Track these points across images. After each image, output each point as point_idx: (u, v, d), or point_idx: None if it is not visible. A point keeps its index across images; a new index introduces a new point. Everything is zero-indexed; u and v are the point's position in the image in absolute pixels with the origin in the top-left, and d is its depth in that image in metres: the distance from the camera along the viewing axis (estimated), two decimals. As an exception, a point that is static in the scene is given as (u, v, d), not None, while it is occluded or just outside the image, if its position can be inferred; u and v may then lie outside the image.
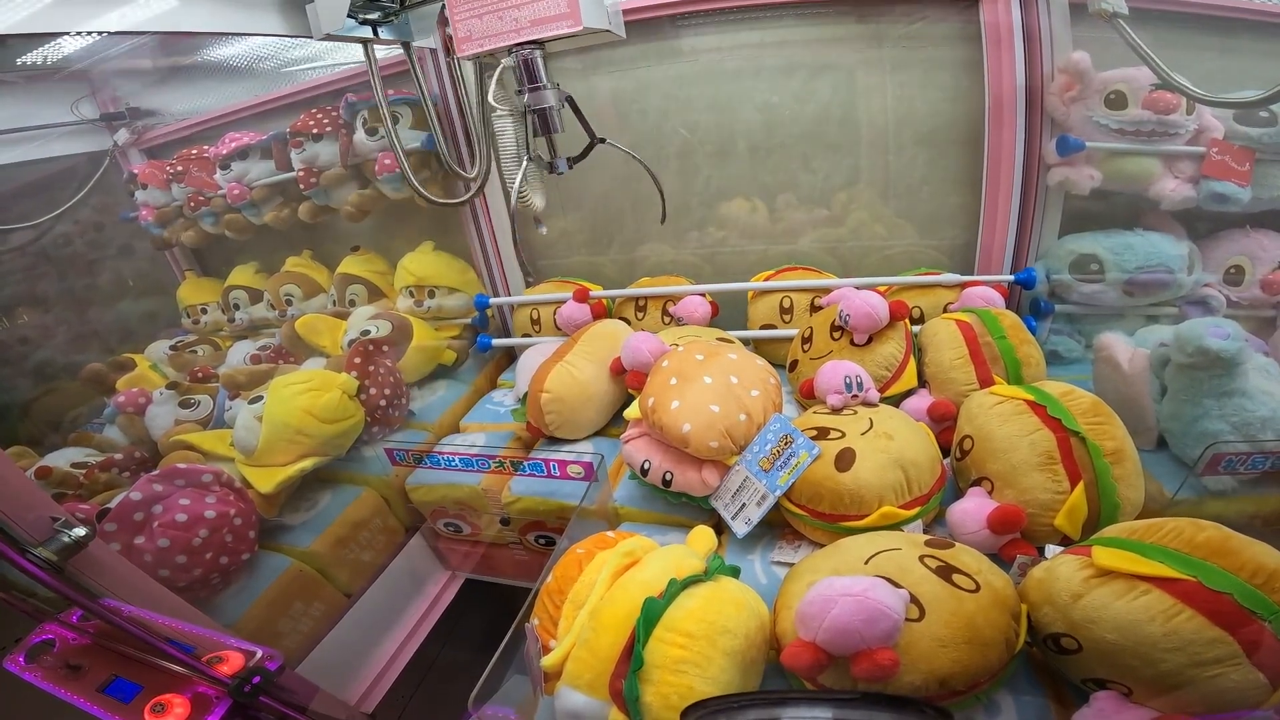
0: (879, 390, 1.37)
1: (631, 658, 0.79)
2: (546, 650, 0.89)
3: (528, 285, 2.19)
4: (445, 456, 1.48)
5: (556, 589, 0.95)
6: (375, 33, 1.46)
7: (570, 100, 1.37)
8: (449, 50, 1.80)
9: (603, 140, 1.45)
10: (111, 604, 1.00)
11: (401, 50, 1.64)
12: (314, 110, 1.98)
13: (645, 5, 1.70)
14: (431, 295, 2.11)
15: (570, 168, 1.46)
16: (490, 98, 1.36)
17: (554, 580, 0.97)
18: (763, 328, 1.84)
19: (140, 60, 1.92)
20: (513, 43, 1.21)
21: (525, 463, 1.42)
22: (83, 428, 1.89)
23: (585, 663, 0.82)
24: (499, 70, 1.32)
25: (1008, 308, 1.55)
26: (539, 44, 1.23)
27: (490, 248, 2.12)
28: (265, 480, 1.53)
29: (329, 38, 1.38)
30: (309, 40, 1.73)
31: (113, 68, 2.03)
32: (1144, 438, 1.28)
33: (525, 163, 1.44)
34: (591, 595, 0.90)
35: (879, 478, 1.07)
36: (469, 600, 1.92)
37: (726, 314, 1.93)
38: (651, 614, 0.81)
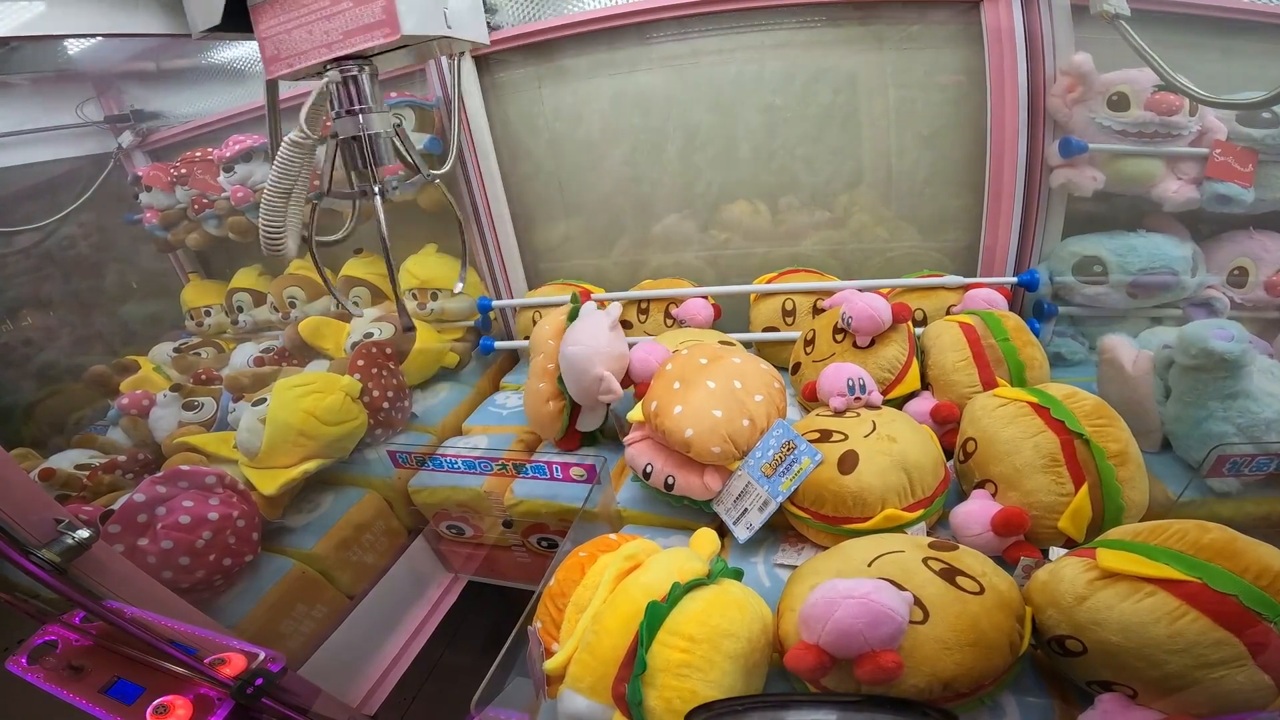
0: (882, 393, 1.37)
1: (634, 661, 0.79)
2: (549, 653, 0.89)
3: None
4: (448, 459, 1.48)
5: (559, 591, 0.95)
6: None
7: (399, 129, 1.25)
8: (450, 54, 1.81)
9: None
10: (114, 605, 1.00)
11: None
12: (317, 113, 1.99)
13: (646, 7, 1.71)
14: (434, 298, 2.11)
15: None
16: (302, 121, 1.11)
17: (556, 583, 0.97)
18: (765, 330, 1.84)
19: (145, 63, 1.93)
20: (325, 59, 1.09)
21: (528, 465, 1.42)
22: (86, 430, 1.90)
23: (588, 666, 0.82)
24: (314, 96, 1.13)
25: (1011, 310, 1.55)
26: (365, 59, 1.10)
27: (493, 250, 2.12)
28: (268, 482, 1.53)
29: (209, 35, 1.19)
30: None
31: (117, 70, 2.04)
32: (1148, 440, 1.27)
33: (314, 205, 1.31)
34: (594, 598, 0.90)
35: (882, 480, 1.07)
36: (471, 603, 1.92)
37: (729, 316, 1.93)
38: (654, 618, 0.81)
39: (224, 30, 1.17)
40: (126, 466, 1.66)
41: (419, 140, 1.90)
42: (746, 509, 1.17)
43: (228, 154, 2.13)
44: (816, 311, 1.76)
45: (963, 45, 1.61)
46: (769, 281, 1.88)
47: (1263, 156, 1.45)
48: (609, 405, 1.58)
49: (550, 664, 0.85)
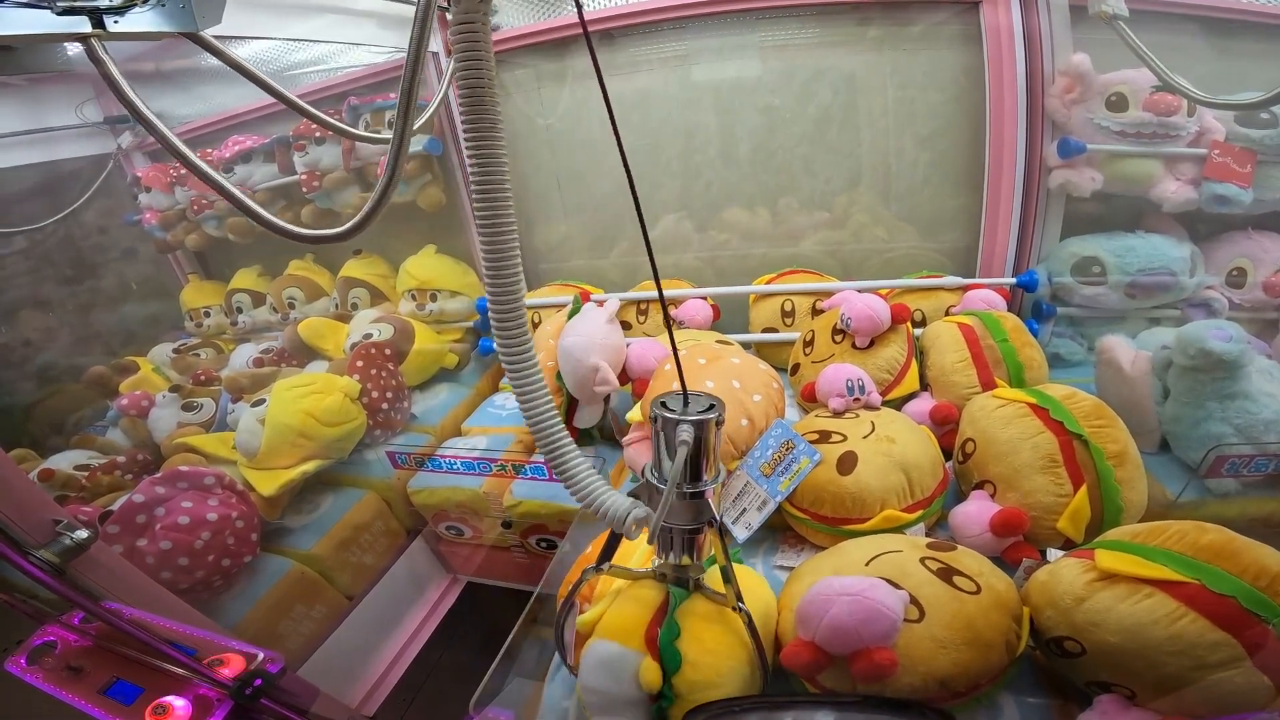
0: (881, 393, 1.37)
1: (667, 613, 0.82)
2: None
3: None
4: (447, 460, 1.48)
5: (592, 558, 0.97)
6: (101, 24, 0.90)
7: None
8: (450, 52, 1.81)
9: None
10: (113, 606, 1.00)
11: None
12: (317, 114, 1.99)
13: (646, 8, 1.71)
14: (434, 299, 2.11)
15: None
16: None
17: (593, 548, 1.00)
18: (764, 331, 1.84)
19: (144, 63, 1.93)
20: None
21: (527, 466, 1.42)
22: (85, 430, 1.90)
23: (620, 614, 0.83)
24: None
25: (1009, 310, 1.55)
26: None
27: (492, 251, 2.12)
28: (267, 483, 1.53)
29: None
30: (312, 43, 1.74)
31: (116, 71, 2.03)
32: (1147, 440, 1.27)
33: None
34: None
35: (881, 481, 1.07)
36: (470, 603, 1.92)
37: (728, 317, 1.93)
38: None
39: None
40: (125, 467, 1.66)
41: (419, 141, 1.90)
42: (745, 509, 1.17)
43: (227, 155, 2.13)
44: (815, 312, 1.76)
45: (961, 46, 1.61)
46: (768, 282, 1.88)
47: (1261, 157, 1.46)
48: (606, 402, 1.58)
49: (584, 618, 0.86)
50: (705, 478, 0.74)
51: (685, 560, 0.81)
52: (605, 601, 0.87)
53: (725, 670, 0.79)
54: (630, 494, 0.73)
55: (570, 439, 0.71)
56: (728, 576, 0.80)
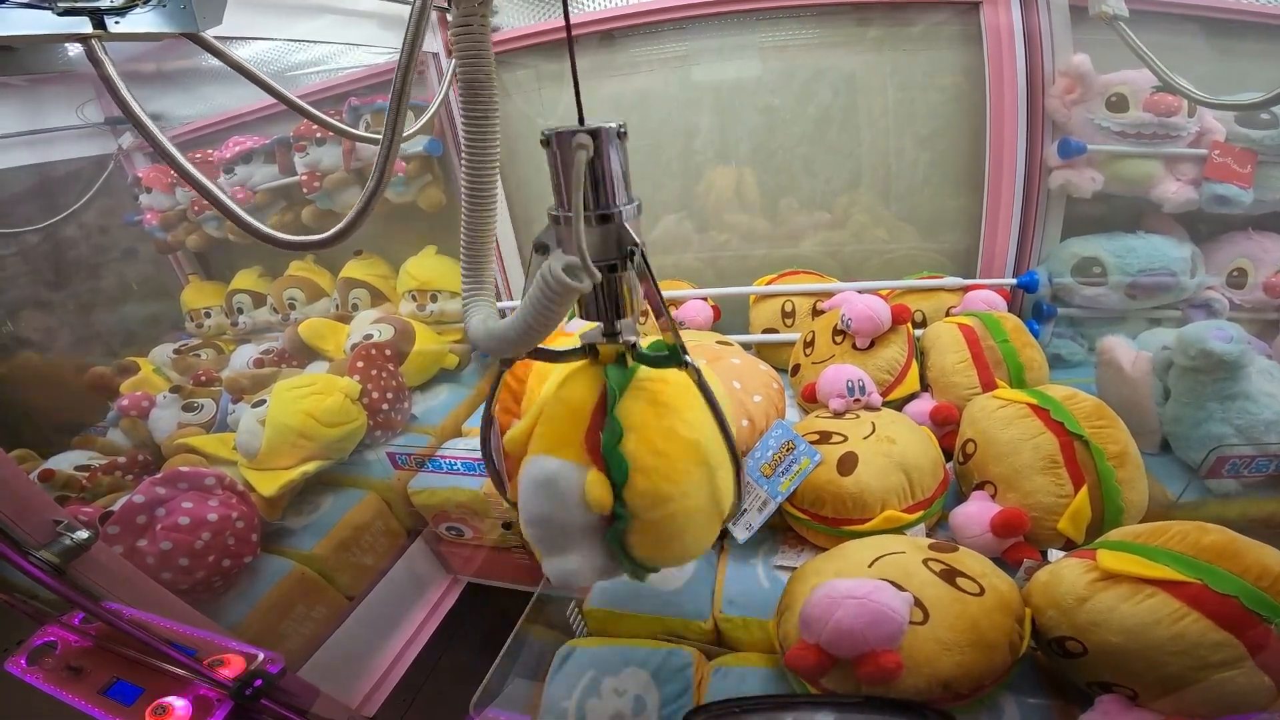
0: (881, 394, 1.37)
1: (606, 413, 0.69)
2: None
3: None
4: (448, 460, 1.48)
5: (518, 377, 0.88)
6: (102, 24, 0.89)
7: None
8: (450, 53, 1.82)
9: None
10: (113, 606, 1.00)
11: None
12: (317, 114, 1.99)
13: (647, 9, 1.71)
14: (434, 299, 2.11)
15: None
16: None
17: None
18: (765, 331, 1.84)
19: (145, 64, 1.93)
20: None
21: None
22: (86, 431, 1.90)
23: (555, 424, 0.70)
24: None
25: (1010, 311, 1.55)
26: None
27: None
28: (268, 483, 1.53)
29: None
30: (312, 44, 1.75)
31: (117, 71, 2.03)
32: (1147, 441, 1.27)
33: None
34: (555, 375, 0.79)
35: (881, 481, 1.07)
36: (470, 604, 1.92)
37: (728, 318, 1.93)
38: (622, 372, 0.72)
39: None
40: (126, 468, 1.66)
41: (419, 141, 1.90)
42: (745, 509, 1.17)
43: (227, 155, 2.13)
44: (816, 313, 1.76)
45: (961, 46, 1.61)
46: (768, 283, 1.88)
47: (1261, 157, 1.46)
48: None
49: (512, 433, 0.74)
50: (615, 200, 0.65)
51: (614, 321, 0.68)
52: (534, 410, 0.74)
53: (680, 477, 0.68)
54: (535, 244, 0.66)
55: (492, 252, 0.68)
56: (659, 312, 0.65)
